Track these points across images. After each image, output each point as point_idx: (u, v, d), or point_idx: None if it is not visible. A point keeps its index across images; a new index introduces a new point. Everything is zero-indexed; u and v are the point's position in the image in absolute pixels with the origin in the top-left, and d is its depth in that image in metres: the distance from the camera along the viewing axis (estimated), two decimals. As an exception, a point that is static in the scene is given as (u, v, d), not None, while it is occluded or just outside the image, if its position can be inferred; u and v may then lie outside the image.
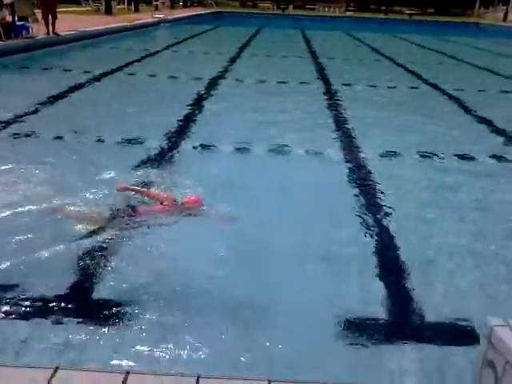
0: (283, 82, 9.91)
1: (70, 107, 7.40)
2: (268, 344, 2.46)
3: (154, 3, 29.60)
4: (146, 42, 17.35)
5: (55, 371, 1.85)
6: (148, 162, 5.02)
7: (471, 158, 5.55)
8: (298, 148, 5.68)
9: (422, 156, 5.56)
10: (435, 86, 10.09)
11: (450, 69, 13.90)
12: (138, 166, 4.85)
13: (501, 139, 6.46)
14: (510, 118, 7.48)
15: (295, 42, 19.60)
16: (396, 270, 3.24)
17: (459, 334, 2.69)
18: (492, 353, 1.63)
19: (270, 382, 1.87)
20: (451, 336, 2.67)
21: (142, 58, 12.57)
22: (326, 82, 10.31)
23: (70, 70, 10.34)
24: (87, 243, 3.32)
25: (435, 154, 5.58)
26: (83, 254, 3.19)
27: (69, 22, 15.90)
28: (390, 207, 4.14)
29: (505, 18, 44.32)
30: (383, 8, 45.99)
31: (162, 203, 3.81)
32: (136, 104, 7.55)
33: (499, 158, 5.61)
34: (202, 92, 8.63)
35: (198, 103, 7.85)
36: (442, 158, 5.48)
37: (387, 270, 3.23)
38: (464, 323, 2.72)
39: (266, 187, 4.46)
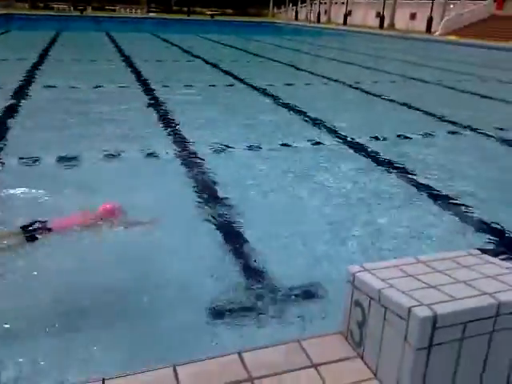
0: (99, 87, 9.50)
1: None
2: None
3: None
4: None
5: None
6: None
7: (289, 145, 6.13)
8: (130, 151, 5.56)
9: (248, 147, 5.94)
10: (247, 83, 10.76)
11: (258, 65, 14.98)
12: None
13: (312, 125, 7.24)
14: (319, 108, 8.46)
15: (102, 44, 18.92)
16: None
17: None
18: (357, 294, 1.95)
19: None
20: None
21: None
22: (145, 84, 10.19)
23: None
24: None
25: (259, 145, 6.03)
26: None
27: None
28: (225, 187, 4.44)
29: (296, 18, 49.35)
30: (185, 9, 47.10)
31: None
32: None
33: (314, 142, 6.31)
34: (6, 104, 7.74)
35: (3, 117, 7.04)
36: (265, 147, 5.95)
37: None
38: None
39: (100, 193, 4.28)
